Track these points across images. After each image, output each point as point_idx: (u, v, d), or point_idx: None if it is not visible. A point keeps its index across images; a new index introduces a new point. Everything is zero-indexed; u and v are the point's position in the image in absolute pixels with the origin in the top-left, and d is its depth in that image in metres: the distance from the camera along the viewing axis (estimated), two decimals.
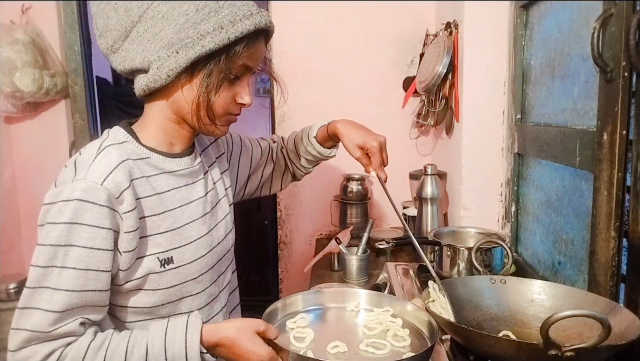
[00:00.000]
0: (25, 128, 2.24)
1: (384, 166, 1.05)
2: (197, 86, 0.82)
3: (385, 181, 1.04)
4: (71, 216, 0.74)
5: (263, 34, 0.85)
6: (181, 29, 0.78)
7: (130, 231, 0.79)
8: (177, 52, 0.78)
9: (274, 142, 1.25)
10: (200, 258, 0.91)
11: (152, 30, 0.79)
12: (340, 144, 1.11)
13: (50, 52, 2.14)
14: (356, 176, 2.00)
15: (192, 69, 0.80)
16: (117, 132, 0.87)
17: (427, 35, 1.98)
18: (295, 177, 1.28)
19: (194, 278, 0.90)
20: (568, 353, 0.69)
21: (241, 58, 0.82)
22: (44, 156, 2.24)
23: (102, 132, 0.89)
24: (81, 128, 2.25)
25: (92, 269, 0.76)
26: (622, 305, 0.89)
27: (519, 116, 1.47)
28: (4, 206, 2.20)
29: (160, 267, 0.84)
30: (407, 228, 1.05)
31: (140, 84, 0.83)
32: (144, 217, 0.83)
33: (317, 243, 2.09)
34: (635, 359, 0.81)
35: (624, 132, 0.88)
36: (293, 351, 0.79)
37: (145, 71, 0.81)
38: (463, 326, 0.83)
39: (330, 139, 1.13)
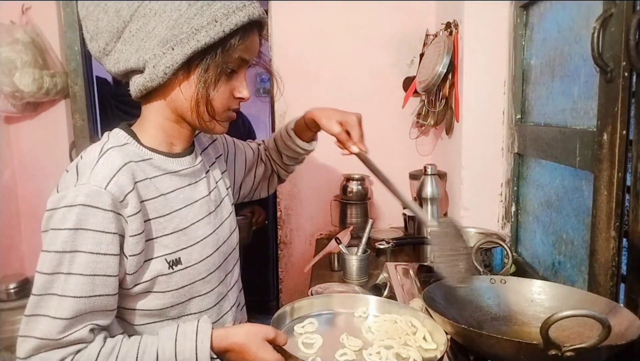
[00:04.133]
0: (25, 128, 2.24)
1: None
2: (194, 82, 0.80)
3: (366, 153, 1.02)
4: (75, 222, 0.73)
5: (256, 25, 0.84)
6: (175, 24, 0.76)
7: (135, 235, 0.78)
8: (173, 49, 0.77)
9: (259, 145, 1.26)
10: (207, 257, 0.90)
11: (145, 29, 0.77)
12: (320, 135, 1.12)
13: (50, 52, 2.14)
14: (356, 176, 2.00)
15: (188, 65, 0.79)
16: (117, 134, 0.86)
17: (427, 35, 1.98)
18: (280, 179, 1.28)
19: (202, 278, 0.89)
20: (568, 353, 0.69)
21: (237, 51, 0.81)
22: (44, 156, 2.24)
23: (102, 132, 0.88)
24: (81, 128, 2.25)
25: (99, 275, 0.76)
26: (622, 305, 0.89)
27: (519, 116, 1.47)
28: (4, 206, 2.20)
29: (169, 268, 0.83)
30: (409, 204, 1.01)
31: (137, 85, 0.81)
32: (149, 219, 0.82)
33: (317, 243, 2.09)
34: (635, 359, 0.81)
35: (624, 132, 0.88)
36: (301, 358, 0.79)
37: (141, 71, 0.80)
38: (463, 326, 0.83)
39: (308, 128, 1.12)
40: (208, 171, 0.99)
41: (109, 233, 0.75)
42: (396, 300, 1.25)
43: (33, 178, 2.25)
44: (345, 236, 1.64)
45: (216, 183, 1.00)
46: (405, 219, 1.91)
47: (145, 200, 0.82)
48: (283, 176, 1.27)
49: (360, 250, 1.54)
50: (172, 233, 0.85)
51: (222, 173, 1.04)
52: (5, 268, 2.18)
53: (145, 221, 0.81)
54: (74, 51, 2.19)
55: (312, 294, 1.29)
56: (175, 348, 0.79)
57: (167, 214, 0.85)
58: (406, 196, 1.00)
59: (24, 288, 2.06)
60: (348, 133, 1.03)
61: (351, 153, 1.03)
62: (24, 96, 2.02)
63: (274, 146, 1.22)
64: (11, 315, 2.02)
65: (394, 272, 1.46)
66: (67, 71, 2.19)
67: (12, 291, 2.09)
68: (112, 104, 2.98)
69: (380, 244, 1.53)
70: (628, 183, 0.89)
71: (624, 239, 0.91)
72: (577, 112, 1.12)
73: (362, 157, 1.02)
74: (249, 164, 1.19)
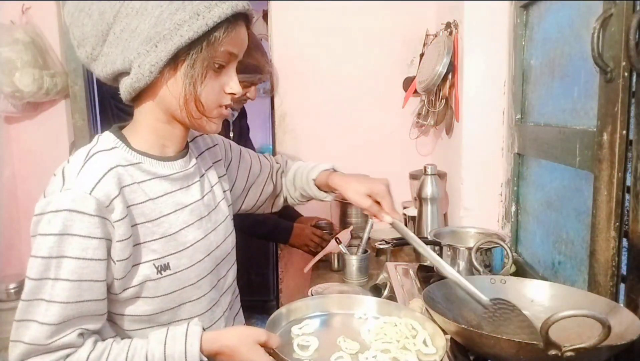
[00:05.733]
0: (25, 128, 2.24)
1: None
2: (181, 78, 0.79)
3: (400, 221, 1.02)
4: (61, 227, 0.73)
5: (243, 18, 0.82)
6: (157, 22, 0.75)
7: (122, 240, 0.77)
8: (157, 46, 0.76)
9: (277, 163, 1.23)
10: (197, 262, 0.88)
11: (128, 29, 0.76)
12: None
13: (50, 52, 2.14)
14: None
15: (174, 62, 0.78)
16: (106, 138, 0.84)
17: (427, 35, 1.98)
18: (286, 202, 1.26)
19: (192, 284, 0.88)
20: (568, 353, 0.69)
21: (222, 44, 0.79)
22: (44, 156, 2.24)
23: (102, 132, 0.88)
24: (81, 128, 2.25)
25: (86, 280, 0.75)
26: (622, 305, 0.89)
27: (519, 116, 1.47)
28: (4, 206, 2.20)
29: (157, 274, 0.82)
30: (454, 275, 0.96)
31: (125, 87, 0.80)
32: (137, 224, 0.81)
33: None
34: (635, 359, 0.81)
35: (624, 132, 0.88)
36: None
37: (128, 72, 0.79)
38: (463, 326, 0.83)
39: (329, 188, 1.12)
40: (203, 175, 0.97)
41: (95, 238, 0.75)
42: (396, 300, 1.25)
43: (33, 178, 2.25)
44: (345, 236, 1.64)
45: (211, 186, 0.98)
46: (405, 220, 1.91)
47: (132, 205, 0.80)
48: (291, 203, 1.26)
49: (360, 250, 1.54)
50: (160, 238, 0.84)
51: (219, 177, 1.02)
52: (5, 268, 2.18)
53: (132, 226, 0.80)
54: (74, 51, 2.18)
55: (312, 295, 1.29)
56: (165, 351, 0.78)
57: (156, 219, 0.84)
58: (446, 265, 0.97)
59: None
60: (378, 202, 1.02)
61: (383, 221, 1.02)
62: (24, 96, 2.02)
63: (292, 179, 1.20)
64: (11, 315, 1.99)
65: (394, 272, 1.46)
66: (67, 71, 2.19)
67: (12, 291, 2.09)
68: (112, 104, 2.98)
69: (380, 244, 1.53)
70: (628, 183, 0.88)
71: (624, 239, 0.91)
72: (577, 112, 1.12)
73: (396, 226, 1.01)
74: (252, 178, 1.16)
